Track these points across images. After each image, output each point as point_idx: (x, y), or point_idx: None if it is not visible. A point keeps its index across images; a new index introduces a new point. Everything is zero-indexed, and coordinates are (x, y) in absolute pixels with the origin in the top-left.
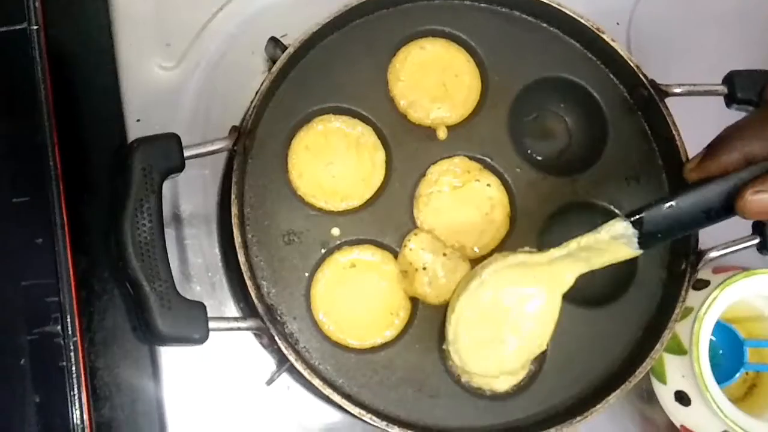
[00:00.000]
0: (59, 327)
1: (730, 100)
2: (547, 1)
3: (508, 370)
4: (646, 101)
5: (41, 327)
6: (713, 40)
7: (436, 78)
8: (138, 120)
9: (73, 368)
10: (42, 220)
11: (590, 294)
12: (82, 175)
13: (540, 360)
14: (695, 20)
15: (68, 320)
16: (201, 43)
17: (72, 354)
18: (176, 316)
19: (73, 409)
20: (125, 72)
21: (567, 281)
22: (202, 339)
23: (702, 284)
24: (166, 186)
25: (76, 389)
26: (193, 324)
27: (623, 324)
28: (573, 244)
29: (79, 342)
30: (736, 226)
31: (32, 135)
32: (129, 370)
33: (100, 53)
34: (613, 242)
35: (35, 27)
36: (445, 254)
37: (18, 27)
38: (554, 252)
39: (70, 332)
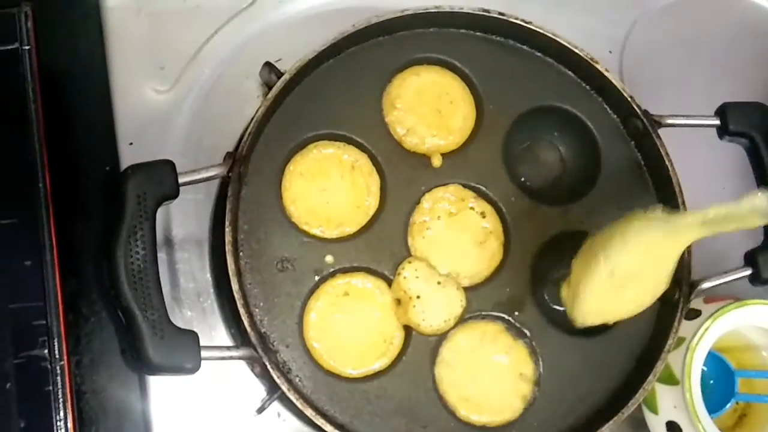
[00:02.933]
0: (46, 350)
1: (723, 131)
2: (541, 30)
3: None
4: (640, 131)
5: (28, 350)
6: (706, 69)
7: (431, 105)
8: (131, 143)
9: (60, 392)
10: (31, 242)
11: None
12: (72, 197)
13: (534, 389)
14: (689, 49)
15: (55, 344)
16: (195, 66)
17: (59, 378)
18: (169, 346)
19: None
20: (118, 94)
21: (687, 239)
22: (195, 369)
23: (694, 314)
24: (158, 210)
25: (62, 414)
26: (186, 354)
27: (616, 354)
28: (711, 213)
29: (66, 366)
30: (729, 257)
31: (22, 156)
32: (116, 394)
33: (92, 75)
34: (749, 214)
35: (27, 47)
36: (439, 282)
37: (9, 47)
38: (689, 216)
39: (57, 356)
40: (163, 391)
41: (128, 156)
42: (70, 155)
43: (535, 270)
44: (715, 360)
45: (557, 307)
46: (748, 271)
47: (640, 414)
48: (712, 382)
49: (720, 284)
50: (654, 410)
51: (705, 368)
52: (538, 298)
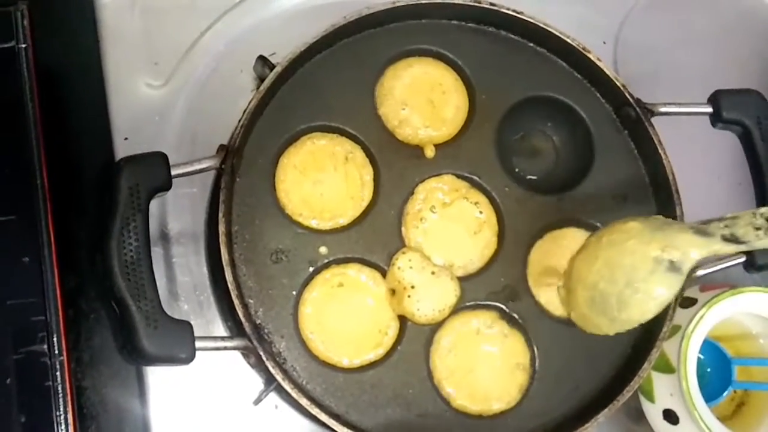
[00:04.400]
0: (45, 346)
1: (716, 119)
2: (533, 21)
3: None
4: (633, 120)
5: (27, 346)
6: (699, 58)
7: (423, 96)
8: (126, 138)
9: (59, 388)
10: (29, 239)
11: None
12: (70, 193)
13: (529, 378)
14: (682, 39)
15: (55, 339)
16: (189, 61)
17: (58, 373)
18: (162, 336)
19: (59, 430)
20: (113, 90)
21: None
22: (189, 359)
23: (689, 302)
24: (154, 204)
25: (62, 409)
26: (180, 344)
27: (612, 342)
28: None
29: (65, 361)
30: None
31: (20, 153)
32: (116, 389)
33: (88, 71)
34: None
35: (23, 45)
36: (433, 273)
37: (6, 45)
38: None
39: (56, 351)
40: (162, 385)
41: (123, 151)
42: (67, 152)
43: (530, 259)
44: (712, 348)
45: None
46: (742, 258)
47: (638, 403)
48: (709, 370)
49: (714, 271)
50: (651, 398)
51: (702, 356)
52: None
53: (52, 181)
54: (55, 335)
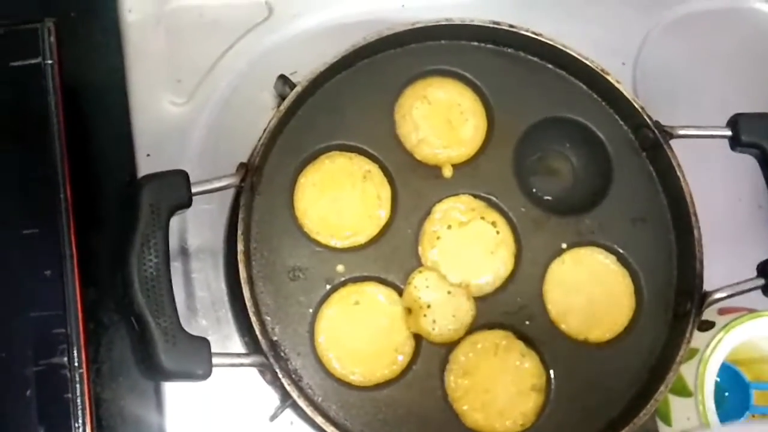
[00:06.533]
0: (66, 358)
1: (735, 142)
2: (552, 42)
3: None
4: (651, 142)
5: (48, 358)
6: (720, 80)
7: (442, 117)
8: (148, 155)
9: (79, 400)
10: (51, 252)
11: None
12: (92, 208)
13: (545, 400)
14: (702, 61)
15: (75, 352)
16: (211, 79)
17: (78, 386)
18: (180, 352)
19: None
20: (136, 107)
21: None
22: (206, 375)
23: (707, 325)
24: (174, 220)
25: (80, 421)
26: (197, 360)
27: (628, 365)
28: None
29: (85, 374)
30: (742, 269)
31: (44, 167)
32: (135, 402)
33: (112, 88)
34: None
35: (50, 61)
36: (449, 292)
37: (33, 61)
38: None
39: (76, 364)
40: (179, 399)
41: (146, 167)
42: (90, 167)
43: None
44: (729, 372)
45: None
46: (761, 282)
47: (655, 426)
48: (727, 394)
49: (732, 295)
50: (667, 422)
51: (719, 380)
52: None
53: (76, 196)
54: (75, 348)
